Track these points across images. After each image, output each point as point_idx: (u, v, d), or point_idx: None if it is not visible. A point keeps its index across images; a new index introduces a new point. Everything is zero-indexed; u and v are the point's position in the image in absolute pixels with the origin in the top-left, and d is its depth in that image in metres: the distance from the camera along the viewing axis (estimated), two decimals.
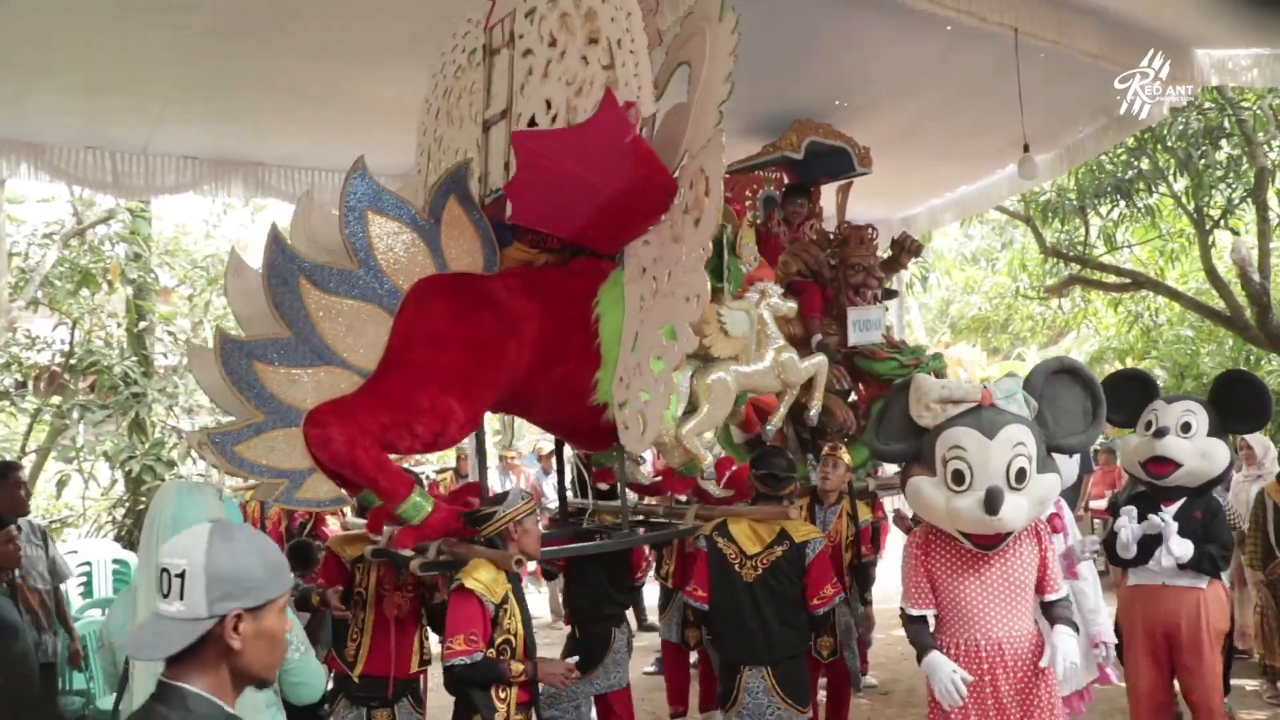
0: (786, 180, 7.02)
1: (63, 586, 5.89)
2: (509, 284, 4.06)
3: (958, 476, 3.53)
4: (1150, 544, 4.53)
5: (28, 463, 11.67)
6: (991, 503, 3.41)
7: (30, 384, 11.77)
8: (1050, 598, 3.69)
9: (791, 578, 4.43)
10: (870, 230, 6.60)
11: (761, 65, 6.19)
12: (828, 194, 7.19)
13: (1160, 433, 4.51)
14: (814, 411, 4.96)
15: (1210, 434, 4.55)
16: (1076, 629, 3.65)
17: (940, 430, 3.62)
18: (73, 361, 11.32)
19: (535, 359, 3.99)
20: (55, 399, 11.48)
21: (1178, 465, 4.49)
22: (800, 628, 4.50)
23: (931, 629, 3.75)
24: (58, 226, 11.37)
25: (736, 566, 4.45)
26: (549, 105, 4.00)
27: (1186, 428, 4.55)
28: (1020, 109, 6.24)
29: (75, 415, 11.12)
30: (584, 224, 4.06)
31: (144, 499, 11.01)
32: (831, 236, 6.76)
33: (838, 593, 4.60)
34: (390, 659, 4.43)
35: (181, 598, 1.76)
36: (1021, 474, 3.50)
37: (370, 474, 3.66)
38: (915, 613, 3.74)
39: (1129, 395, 4.82)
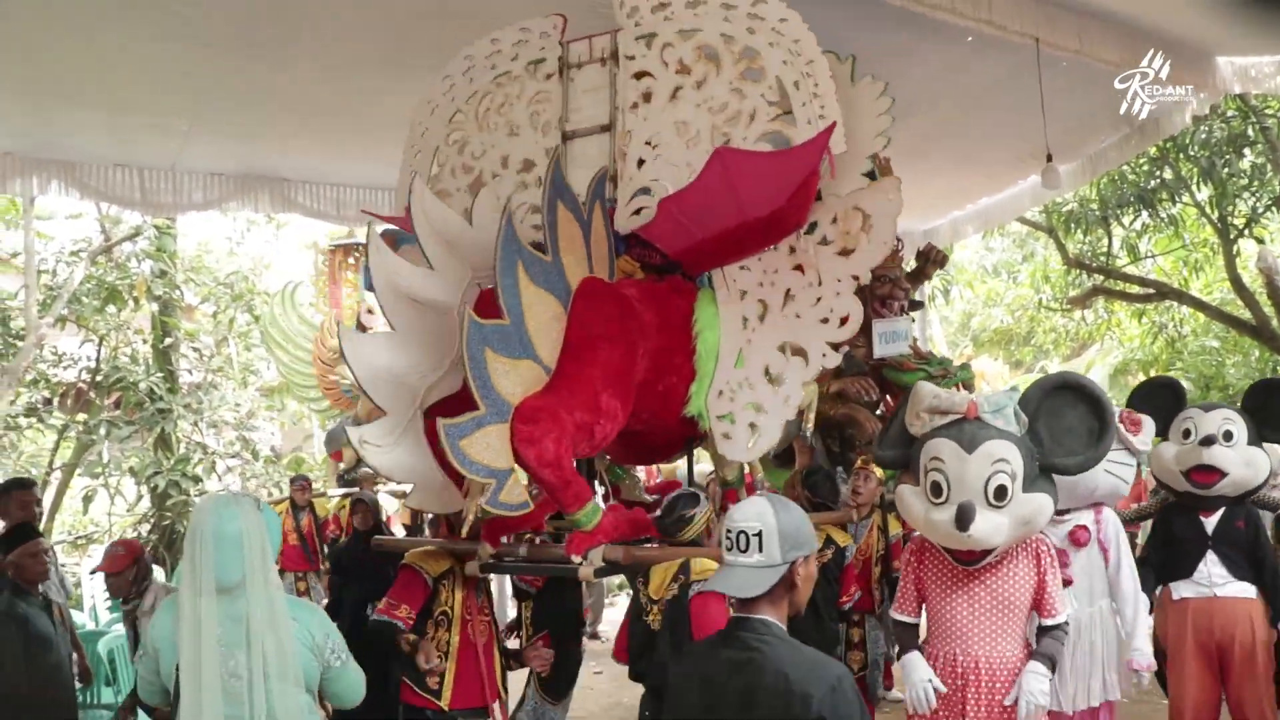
0: None
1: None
2: (633, 294, 4.06)
3: (935, 488, 3.47)
4: (1194, 555, 4.50)
5: (54, 479, 11.80)
6: (962, 518, 3.33)
7: (56, 401, 11.89)
8: (1046, 622, 3.54)
9: (834, 578, 4.73)
10: (896, 241, 6.61)
11: None
12: None
13: (1207, 440, 4.47)
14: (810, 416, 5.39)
15: (1250, 442, 4.55)
16: (1053, 667, 3.48)
17: (925, 440, 3.56)
18: (99, 378, 11.44)
19: (648, 370, 4.00)
20: (81, 416, 11.59)
21: (1224, 474, 4.47)
22: (835, 621, 4.86)
23: (922, 638, 3.71)
24: (85, 244, 11.52)
25: None
26: (683, 127, 4.17)
27: (1229, 436, 4.53)
28: (1043, 119, 6.24)
29: (102, 431, 11.23)
30: (694, 245, 4.10)
31: (169, 514, 11.11)
32: None
33: (860, 589, 4.93)
34: (483, 687, 4.12)
35: (760, 550, 2.38)
36: (1001, 491, 3.39)
37: (568, 476, 3.56)
38: (898, 617, 3.71)
39: (1161, 404, 4.79)
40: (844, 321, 3.97)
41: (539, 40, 4.59)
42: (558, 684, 4.89)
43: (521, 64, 4.62)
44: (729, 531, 2.41)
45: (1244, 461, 4.49)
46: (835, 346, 4.00)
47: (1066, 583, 4.15)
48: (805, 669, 2.29)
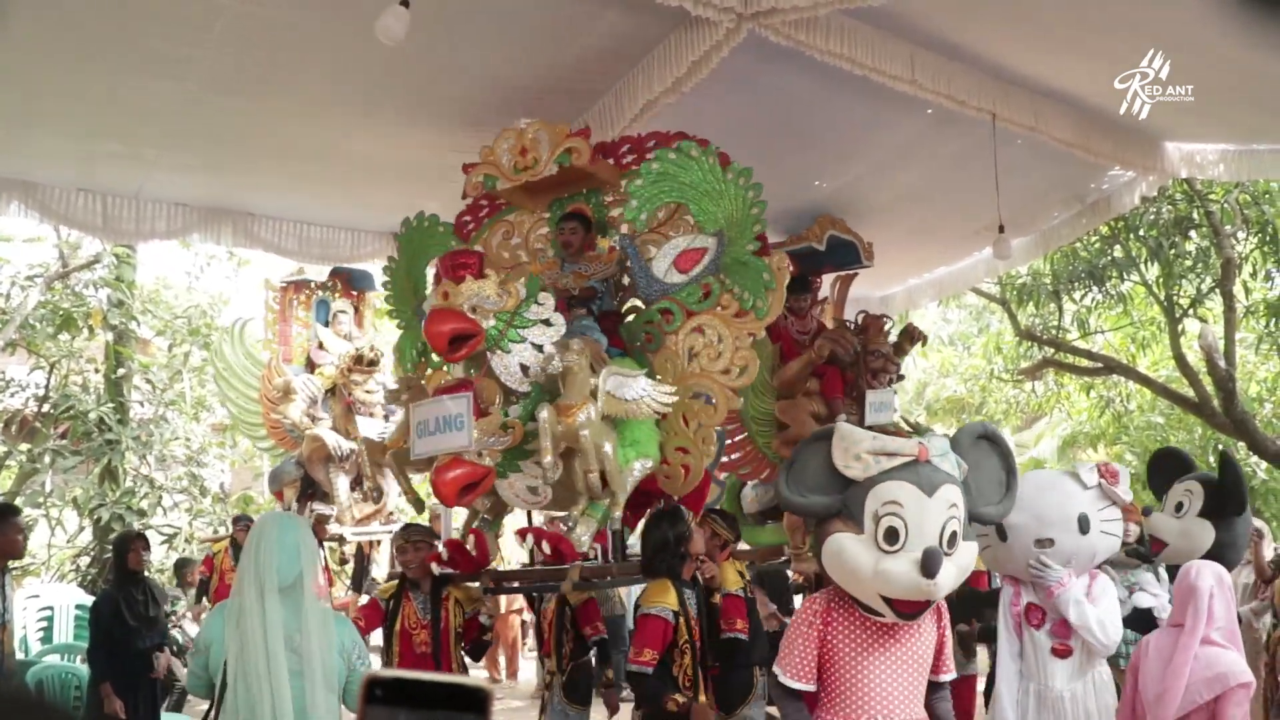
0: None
1: None
2: None
3: (891, 535, 3.19)
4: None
5: None
6: (930, 565, 3.08)
7: (1, 427, 11.68)
8: (942, 678, 3.42)
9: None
10: (885, 319, 6.91)
11: (746, 147, 6.37)
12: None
13: (1146, 511, 4.68)
14: None
15: (1201, 514, 4.69)
16: None
17: (873, 483, 3.25)
18: (47, 406, 11.26)
19: None
20: (24, 445, 11.39)
21: (1164, 544, 4.66)
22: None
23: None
24: (42, 269, 11.39)
25: None
26: None
27: (1179, 507, 4.75)
28: (996, 192, 6.43)
29: (46, 460, 11.03)
30: None
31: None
32: (852, 324, 7.06)
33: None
34: None
35: None
36: (954, 538, 3.24)
37: None
38: (792, 684, 3.32)
39: (1170, 470, 5.05)
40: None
41: None
42: (581, 690, 5.38)
43: None
44: None
45: (1181, 532, 4.65)
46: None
47: (1064, 654, 4.02)
48: None
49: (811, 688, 3.33)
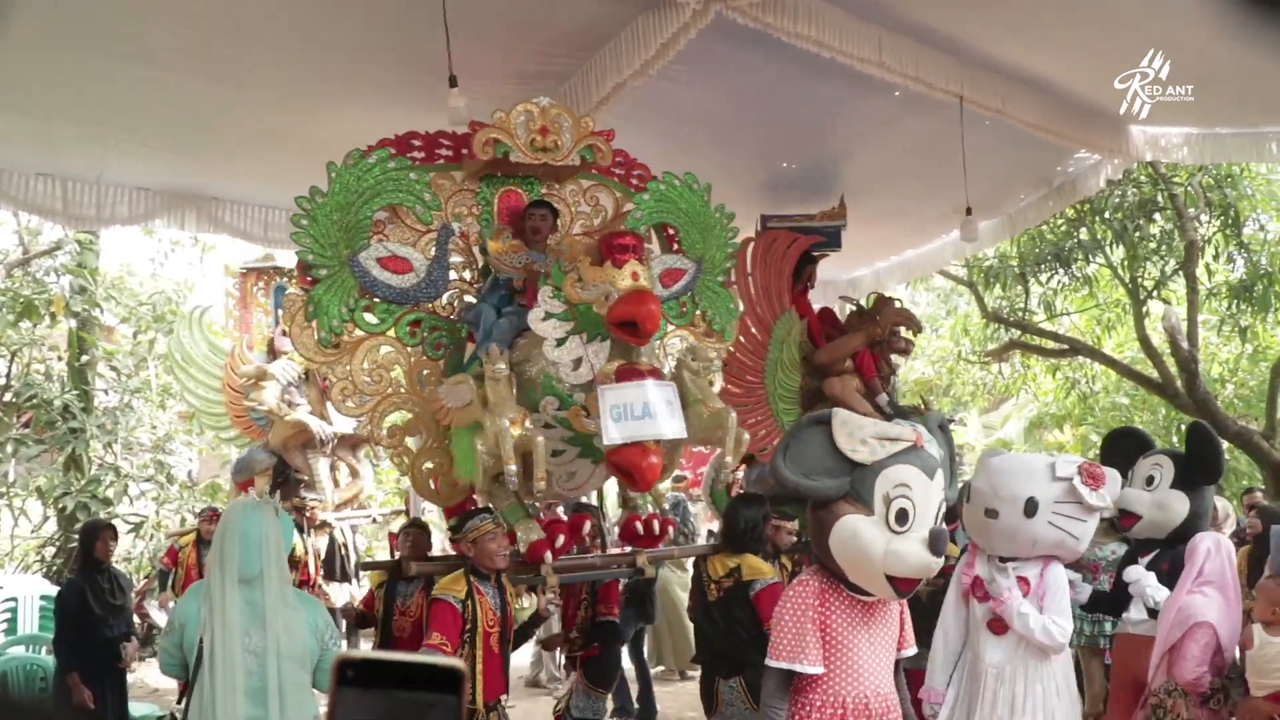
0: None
1: None
2: None
3: (902, 516, 3.31)
4: (1129, 595, 4.69)
5: None
6: (938, 544, 3.26)
7: None
8: (905, 653, 3.60)
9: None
10: (896, 300, 6.98)
11: (714, 128, 6.38)
12: None
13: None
14: None
15: (1173, 486, 4.74)
16: None
17: (882, 467, 3.37)
18: (9, 395, 11.09)
19: None
20: None
21: (1138, 516, 4.71)
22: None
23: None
24: (1, 255, 11.21)
25: None
26: None
27: (1150, 480, 4.78)
28: (964, 174, 6.46)
29: (9, 449, 10.87)
30: None
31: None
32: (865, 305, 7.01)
33: None
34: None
35: None
36: (939, 517, 3.45)
37: None
38: (806, 669, 3.36)
39: (1128, 450, 5.08)
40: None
41: None
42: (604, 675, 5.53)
43: None
44: None
45: (1156, 504, 4.71)
46: None
47: (999, 631, 4.11)
48: None
49: (822, 669, 3.37)
